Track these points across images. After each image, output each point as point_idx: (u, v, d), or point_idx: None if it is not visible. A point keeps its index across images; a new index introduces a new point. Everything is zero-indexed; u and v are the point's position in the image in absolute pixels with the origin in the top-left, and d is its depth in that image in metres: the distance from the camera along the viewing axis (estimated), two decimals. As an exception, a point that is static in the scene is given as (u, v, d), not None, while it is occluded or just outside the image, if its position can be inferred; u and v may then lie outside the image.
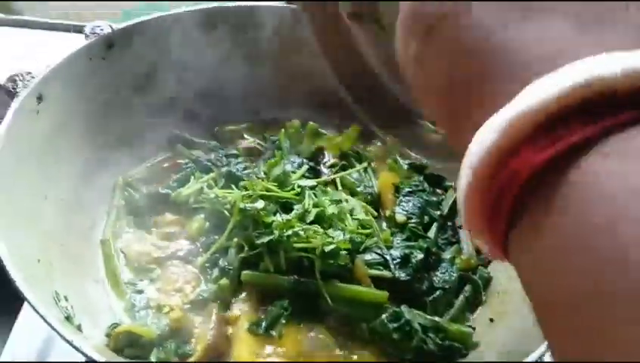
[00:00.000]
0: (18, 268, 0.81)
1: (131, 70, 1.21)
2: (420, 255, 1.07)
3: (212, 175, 1.18)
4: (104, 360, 0.73)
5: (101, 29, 1.19)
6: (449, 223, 1.17)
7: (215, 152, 1.25)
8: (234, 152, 1.26)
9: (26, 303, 0.81)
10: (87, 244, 1.07)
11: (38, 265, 0.91)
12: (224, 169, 1.19)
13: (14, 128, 0.98)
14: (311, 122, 1.27)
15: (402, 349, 0.96)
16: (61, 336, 0.75)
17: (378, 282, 1.03)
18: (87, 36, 1.18)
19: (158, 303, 0.99)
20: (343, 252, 1.01)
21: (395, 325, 0.97)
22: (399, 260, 1.06)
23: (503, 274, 1.09)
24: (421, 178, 1.23)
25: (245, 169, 1.21)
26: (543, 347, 0.79)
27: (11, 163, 0.96)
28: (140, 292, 1.01)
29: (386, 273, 1.05)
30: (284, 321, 0.99)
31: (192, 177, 1.18)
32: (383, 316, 0.98)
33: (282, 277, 1.01)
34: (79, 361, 0.86)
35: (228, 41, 1.31)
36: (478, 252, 1.14)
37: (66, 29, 1.47)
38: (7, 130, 0.96)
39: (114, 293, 1.02)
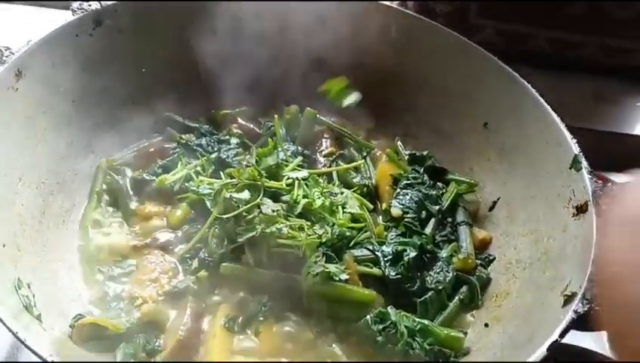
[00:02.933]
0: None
1: (120, 49, 1.15)
2: (413, 253, 0.99)
3: (200, 161, 1.12)
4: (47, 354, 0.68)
5: (89, 5, 1.13)
6: (449, 219, 1.10)
7: (207, 137, 1.19)
8: (227, 137, 1.19)
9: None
10: (64, 230, 1.03)
11: (2, 250, 0.86)
12: (214, 155, 1.13)
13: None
14: (309, 108, 1.20)
15: (387, 352, 0.89)
16: (7, 327, 0.70)
17: (367, 279, 0.97)
18: (74, 12, 1.12)
19: (131, 294, 0.94)
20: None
21: (380, 327, 0.90)
22: (390, 257, 0.99)
23: (503, 276, 1.01)
24: (422, 170, 1.15)
25: (237, 155, 1.14)
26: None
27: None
28: (114, 280, 0.96)
29: (375, 270, 0.98)
30: (261, 318, 0.93)
31: (179, 163, 1.12)
32: (368, 317, 0.91)
33: (263, 272, 0.95)
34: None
35: (227, 24, 1.24)
36: (477, 250, 1.06)
37: (53, 4, 1.41)
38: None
39: (87, 281, 0.97)
